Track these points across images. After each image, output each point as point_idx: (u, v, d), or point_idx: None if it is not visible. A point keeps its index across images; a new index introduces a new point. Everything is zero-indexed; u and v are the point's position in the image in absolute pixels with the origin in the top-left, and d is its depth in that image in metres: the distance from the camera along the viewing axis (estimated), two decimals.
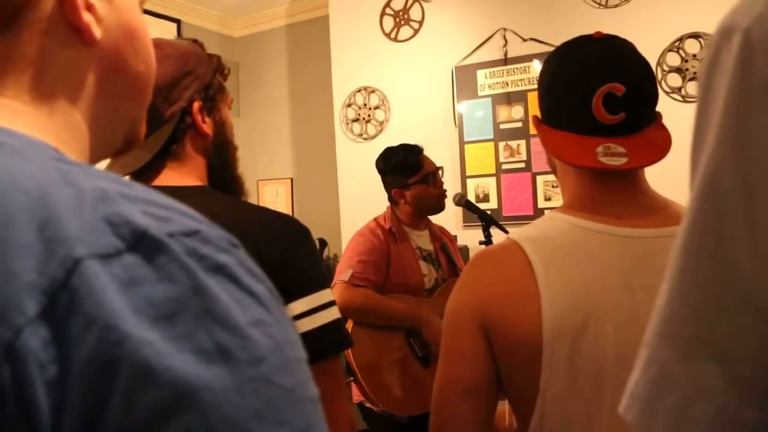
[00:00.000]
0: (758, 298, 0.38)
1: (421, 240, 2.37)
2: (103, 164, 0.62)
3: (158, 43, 1.02)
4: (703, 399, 0.39)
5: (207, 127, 1.06)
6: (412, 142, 2.41)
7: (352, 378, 2.15)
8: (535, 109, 3.37)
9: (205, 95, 1.05)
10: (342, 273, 2.21)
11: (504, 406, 1.04)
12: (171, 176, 1.03)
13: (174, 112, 1.01)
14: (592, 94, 0.90)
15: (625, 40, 0.97)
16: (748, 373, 0.39)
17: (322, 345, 0.98)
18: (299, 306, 0.97)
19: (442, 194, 2.36)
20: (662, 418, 0.41)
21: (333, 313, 1.00)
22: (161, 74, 0.98)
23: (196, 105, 1.03)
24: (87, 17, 0.45)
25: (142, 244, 0.33)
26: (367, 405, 2.21)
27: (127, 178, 1.04)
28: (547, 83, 0.98)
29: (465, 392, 0.93)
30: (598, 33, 0.97)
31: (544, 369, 0.86)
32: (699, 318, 0.41)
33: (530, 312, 0.87)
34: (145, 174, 1.03)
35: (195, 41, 1.08)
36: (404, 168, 2.31)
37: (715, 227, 0.41)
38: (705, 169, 0.42)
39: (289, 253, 0.99)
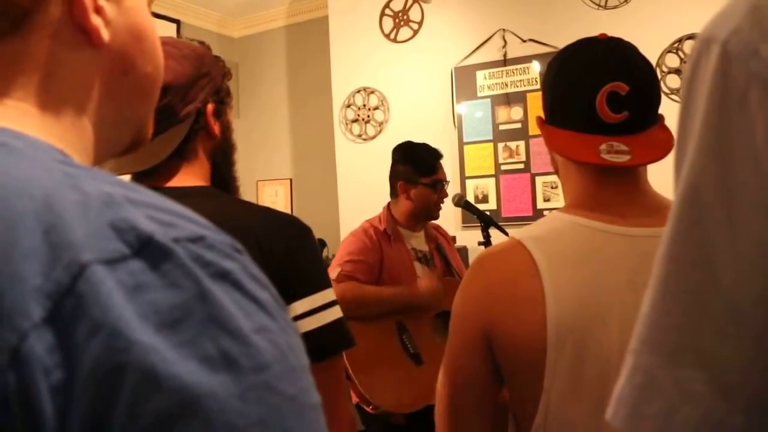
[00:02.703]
0: (741, 307, 0.39)
1: (417, 241, 2.37)
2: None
3: (176, 43, 1.03)
4: (688, 405, 0.40)
5: (217, 129, 1.07)
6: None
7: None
8: (534, 110, 3.38)
9: (217, 98, 1.07)
10: (330, 272, 2.22)
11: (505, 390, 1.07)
12: (183, 176, 1.04)
13: (189, 112, 1.01)
14: (596, 92, 0.91)
15: (628, 43, 0.97)
16: (733, 379, 0.39)
17: (325, 344, 0.98)
18: (302, 305, 0.97)
19: (440, 205, 2.37)
20: (648, 424, 0.41)
21: (335, 313, 1.01)
22: (180, 74, 0.99)
23: (210, 107, 1.05)
24: (96, 20, 0.45)
25: (147, 249, 0.33)
26: (363, 406, 2.21)
27: (127, 178, 1.04)
28: (551, 83, 0.99)
29: (468, 385, 0.98)
30: (603, 35, 0.98)
31: (548, 368, 0.87)
32: (684, 325, 0.41)
33: (535, 312, 0.88)
34: (156, 172, 1.03)
35: (203, 43, 1.09)
36: (421, 165, 2.32)
37: (697, 237, 0.41)
38: (686, 179, 0.42)
39: (292, 252, 0.99)
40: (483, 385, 0.97)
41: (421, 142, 2.43)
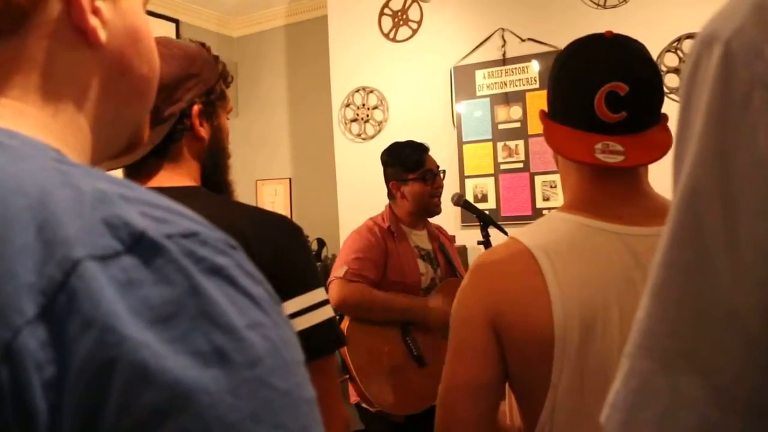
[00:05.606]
0: (738, 312, 0.38)
1: (420, 239, 2.38)
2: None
3: (167, 42, 1.03)
4: (684, 410, 0.40)
5: (204, 131, 1.06)
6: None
7: (347, 376, 2.15)
8: (533, 110, 3.38)
9: (206, 100, 1.06)
10: (337, 269, 2.22)
11: (504, 406, 1.05)
12: (167, 176, 1.04)
13: (173, 113, 1.01)
14: (595, 91, 0.91)
15: (635, 41, 0.97)
16: (729, 384, 0.39)
17: (316, 344, 0.98)
18: (293, 305, 0.97)
19: (438, 197, 2.36)
20: (644, 429, 0.41)
21: (326, 312, 1.01)
22: (166, 73, 0.98)
23: (196, 108, 1.04)
24: (93, 21, 0.46)
25: (140, 245, 0.33)
26: (364, 405, 2.21)
27: (120, 172, 1.05)
28: (554, 78, 1.00)
29: (474, 391, 0.94)
30: (609, 32, 0.97)
31: (556, 363, 0.88)
32: (679, 331, 0.41)
33: (541, 308, 0.88)
34: (139, 170, 1.03)
35: (203, 45, 1.09)
36: (406, 162, 2.33)
37: (695, 242, 0.40)
38: (685, 182, 0.41)
39: (282, 253, 0.99)
40: (486, 389, 0.94)
41: (407, 140, 2.42)
